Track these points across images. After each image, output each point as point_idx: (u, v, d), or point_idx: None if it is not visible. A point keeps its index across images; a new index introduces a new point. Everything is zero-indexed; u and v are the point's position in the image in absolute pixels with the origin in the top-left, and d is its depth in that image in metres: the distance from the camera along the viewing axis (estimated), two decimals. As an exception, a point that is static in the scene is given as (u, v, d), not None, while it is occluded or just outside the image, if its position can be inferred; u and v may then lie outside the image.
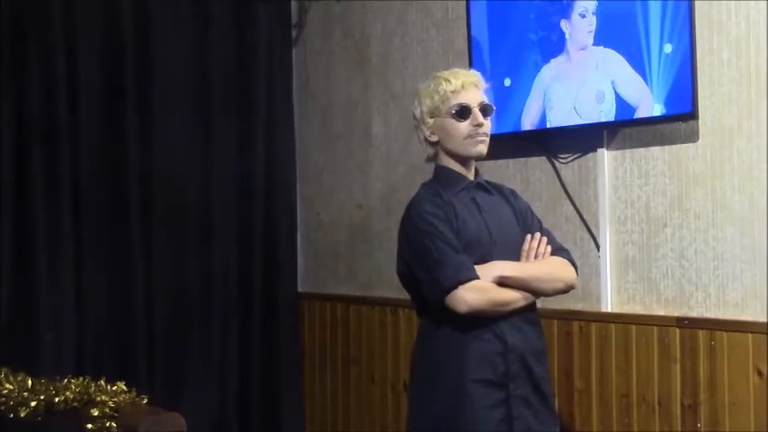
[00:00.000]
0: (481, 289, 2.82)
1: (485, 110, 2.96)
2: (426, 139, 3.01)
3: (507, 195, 3.10)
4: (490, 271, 2.85)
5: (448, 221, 2.89)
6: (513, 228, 3.03)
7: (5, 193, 4.35)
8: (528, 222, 3.07)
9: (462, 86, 2.95)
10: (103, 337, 4.55)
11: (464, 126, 2.93)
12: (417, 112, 3.02)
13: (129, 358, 4.57)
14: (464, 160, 3.00)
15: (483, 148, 2.97)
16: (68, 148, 4.48)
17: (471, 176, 3.02)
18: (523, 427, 2.89)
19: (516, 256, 2.99)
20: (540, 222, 3.12)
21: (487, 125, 2.96)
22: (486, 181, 3.08)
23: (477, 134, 2.94)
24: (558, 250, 3.06)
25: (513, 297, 2.86)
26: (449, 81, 2.96)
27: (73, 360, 4.35)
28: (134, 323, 4.64)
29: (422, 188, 3.03)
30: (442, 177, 3.01)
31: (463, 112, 2.93)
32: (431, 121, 2.98)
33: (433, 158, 3.05)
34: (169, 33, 4.81)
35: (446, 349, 2.91)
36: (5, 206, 4.35)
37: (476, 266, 2.84)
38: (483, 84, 3.02)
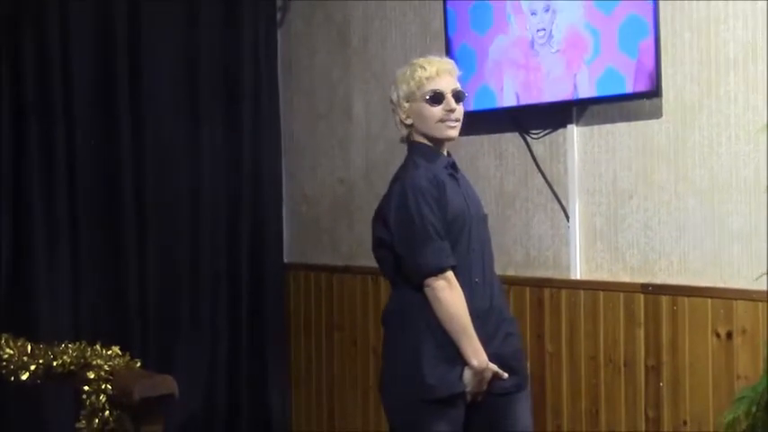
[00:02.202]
0: (454, 289, 2.96)
1: (457, 96, 3.08)
2: (402, 122, 3.12)
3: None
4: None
5: (438, 201, 2.98)
6: (480, 204, 3.20)
7: (4, 173, 4.42)
8: None
9: (437, 73, 3.06)
10: (98, 307, 4.61)
11: (437, 110, 3.05)
12: (394, 97, 3.13)
13: (123, 327, 4.63)
14: (436, 142, 3.10)
15: (453, 133, 3.09)
16: (63, 132, 4.54)
17: (444, 154, 3.14)
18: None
19: (485, 228, 3.16)
20: None
21: (460, 111, 3.08)
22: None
23: (448, 119, 3.05)
24: None
25: (462, 318, 2.96)
26: (424, 68, 3.07)
27: (70, 328, 4.41)
28: (127, 294, 4.70)
29: (414, 157, 3.09)
30: (425, 152, 3.10)
31: (437, 98, 3.04)
32: (406, 105, 3.09)
33: (407, 139, 3.14)
34: (157, 19, 4.83)
35: (419, 315, 3.03)
36: (4, 186, 4.42)
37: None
38: (456, 71, 3.14)
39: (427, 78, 3.06)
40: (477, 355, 2.96)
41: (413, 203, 2.98)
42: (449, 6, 4.22)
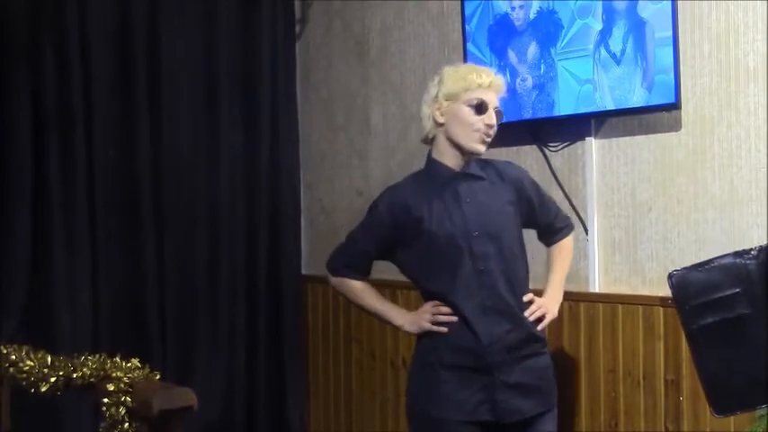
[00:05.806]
0: (339, 285, 3.32)
1: (498, 114, 3.07)
2: (433, 119, 3.07)
3: (500, 175, 3.16)
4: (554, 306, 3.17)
5: (390, 224, 3.10)
6: (498, 215, 3.10)
7: (23, 180, 4.44)
8: (525, 193, 3.19)
9: (489, 85, 3.05)
10: (117, 319, 4.63)
11: (477, 120, 3.02)
12: (434, 92, 3.08)
13: (141, 338, 4.66)
14: (460, 150, 3.07)
15: (482, 148, 3.07)
16: (83, 137, 4.55)
17: (460, 166, 3.09)
18: (504, 408, 3.01)
19: (500, 243, 3.06)
20: (538, 192, 3.26)
21: (495, 128, 3.08)
22: (478, 160, 3.13)
23: (485, 132, 3.04)
24: (566, 227, 3.34)
25: (366, 305, 3.34)
26: (480, 75, 3.04)
27: (88, 339, 4.43)
28: (146, 305, 4.72)
29: (407, 177, 3.19)
30: (431, 168, 3.11)
31: (481, 108, 3.02)
32: (445, 103, 3.04)
33: (430, 141, 3.11)
34: (177, 28, 4.87)
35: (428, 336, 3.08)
36: (24, 192, 4.44)
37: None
38: (503, 91, 3.14)
39: (479, 85, 3.03)
40: (397, 320, 3.25)
41: (369, 210, 3.22)
42: (467, 18, 4.20)
